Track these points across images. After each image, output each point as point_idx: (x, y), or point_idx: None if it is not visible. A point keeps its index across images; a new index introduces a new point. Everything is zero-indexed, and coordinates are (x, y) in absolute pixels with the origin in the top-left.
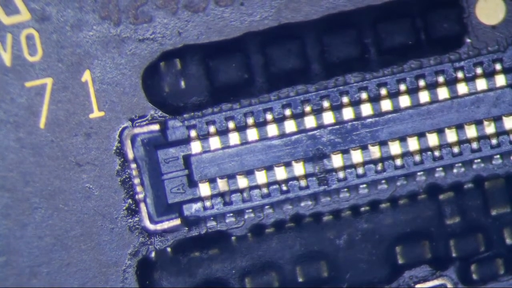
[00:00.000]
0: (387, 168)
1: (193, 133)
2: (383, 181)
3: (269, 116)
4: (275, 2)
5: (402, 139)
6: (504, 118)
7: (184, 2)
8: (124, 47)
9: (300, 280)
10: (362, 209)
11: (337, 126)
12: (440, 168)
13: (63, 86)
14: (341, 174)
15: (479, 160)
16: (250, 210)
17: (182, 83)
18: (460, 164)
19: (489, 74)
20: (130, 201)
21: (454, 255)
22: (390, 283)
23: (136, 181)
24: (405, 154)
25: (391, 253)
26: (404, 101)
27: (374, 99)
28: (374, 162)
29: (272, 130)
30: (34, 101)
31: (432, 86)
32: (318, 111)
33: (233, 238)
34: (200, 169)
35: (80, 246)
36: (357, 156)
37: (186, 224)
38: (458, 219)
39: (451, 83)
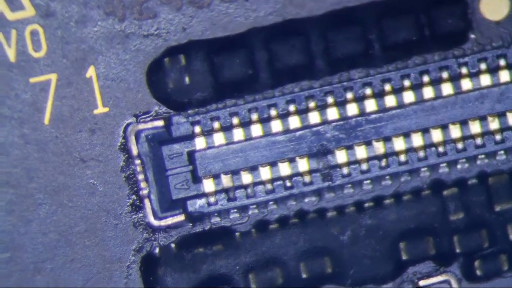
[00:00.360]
0: (391, 164)
1: (197, 129)
2: (387, 177)
3: (273, 112)
4: None
5: (406, 135)
6: (508, 114)
7: None
8: (129, 43)
9: (304, 276)
10: (366, 205)
11: (341, 122)
12: (444, 164)
13: (67, 82)
14: (345, 170)
15: (483, 156)
16: (254, 206)
17: (187, 79)
18: (464, 160)
19: (493, 70)
20: (134, 197)
21: (458, 251)
22: (394, 279)
23: (141, 177)
24: (409, 150)
25: (395, 249)
26: (408, 96)
27: (378, 95)
28: (378, 158)
29: (276, 126)
30: (39, 97)
31: (436, 82)
32: (322, 107)
33: (237, 234)
34: (204, 165)
35: (84, 242)
36: (361, 152)
37: (190, 220)
38: (462, 215)
39: (455, 78)
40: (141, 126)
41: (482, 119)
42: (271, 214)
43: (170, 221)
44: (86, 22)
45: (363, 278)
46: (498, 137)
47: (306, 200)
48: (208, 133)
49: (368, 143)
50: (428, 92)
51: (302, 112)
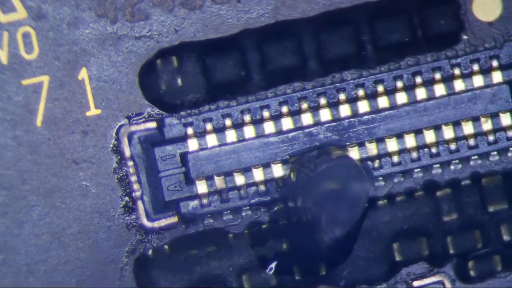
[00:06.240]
0: (384, 165)
1: (190, 131)
2: (380, 178)
3: (266, 113)
4: None
5: (399, 136)
6: (501, 114)
7: (181, 0)
8: (121, 44)
9: (298, 277)
10: None
11: (334, 123)
12: (437, 165)
13: (59, 84)
14: None
15: (476, 156)
16: (248, 207)
17: (179, 81)
18: (457, 161)
19: (486, 71)
20: (127, 198)
21: (451, 252)
22: (387, 280)
23: (133, 178)
24: (402, 151)
25: (389, 250)
26: (401, 97)
27: (371, 96)
28: (371, 159)
29: (269, 127)
30: (31, 99)
31: (429, 83)
32: (315, 108)
33: (230, 235)
34: (197, 167)
35: (77, 244)
36: (354, 153)
37: (183, 221)
38: (455, 216)
39: (448, 79)
40: (134, 128)
41: (475, 120)
42: (264, 215)
43: (163, 222)
44: (78, 24)
45: (357, 279)
46: (491, 138)
47: None
48: (200, 134)
49: (361, 144)
50: (421, 93)
51: (295, 113)
